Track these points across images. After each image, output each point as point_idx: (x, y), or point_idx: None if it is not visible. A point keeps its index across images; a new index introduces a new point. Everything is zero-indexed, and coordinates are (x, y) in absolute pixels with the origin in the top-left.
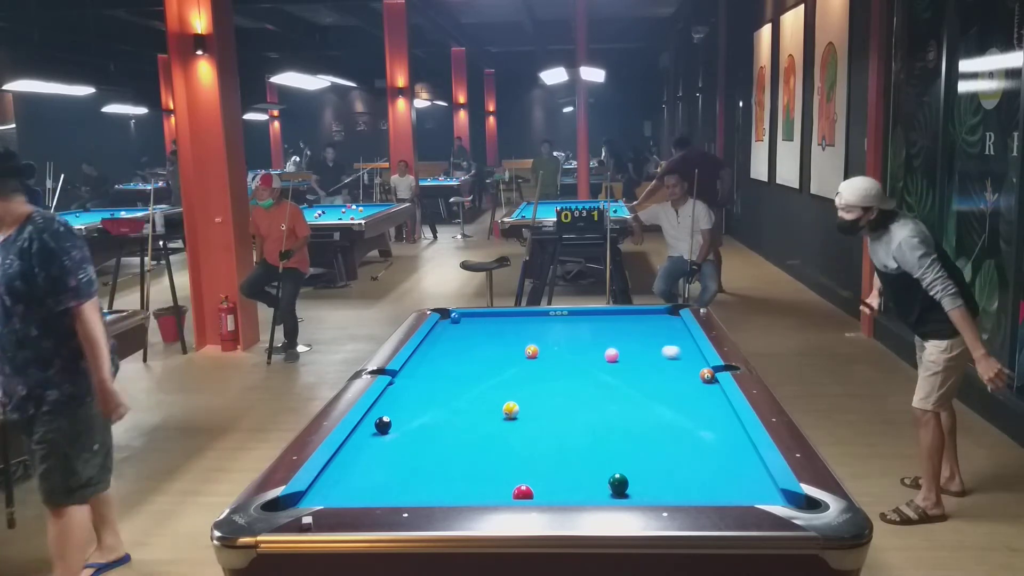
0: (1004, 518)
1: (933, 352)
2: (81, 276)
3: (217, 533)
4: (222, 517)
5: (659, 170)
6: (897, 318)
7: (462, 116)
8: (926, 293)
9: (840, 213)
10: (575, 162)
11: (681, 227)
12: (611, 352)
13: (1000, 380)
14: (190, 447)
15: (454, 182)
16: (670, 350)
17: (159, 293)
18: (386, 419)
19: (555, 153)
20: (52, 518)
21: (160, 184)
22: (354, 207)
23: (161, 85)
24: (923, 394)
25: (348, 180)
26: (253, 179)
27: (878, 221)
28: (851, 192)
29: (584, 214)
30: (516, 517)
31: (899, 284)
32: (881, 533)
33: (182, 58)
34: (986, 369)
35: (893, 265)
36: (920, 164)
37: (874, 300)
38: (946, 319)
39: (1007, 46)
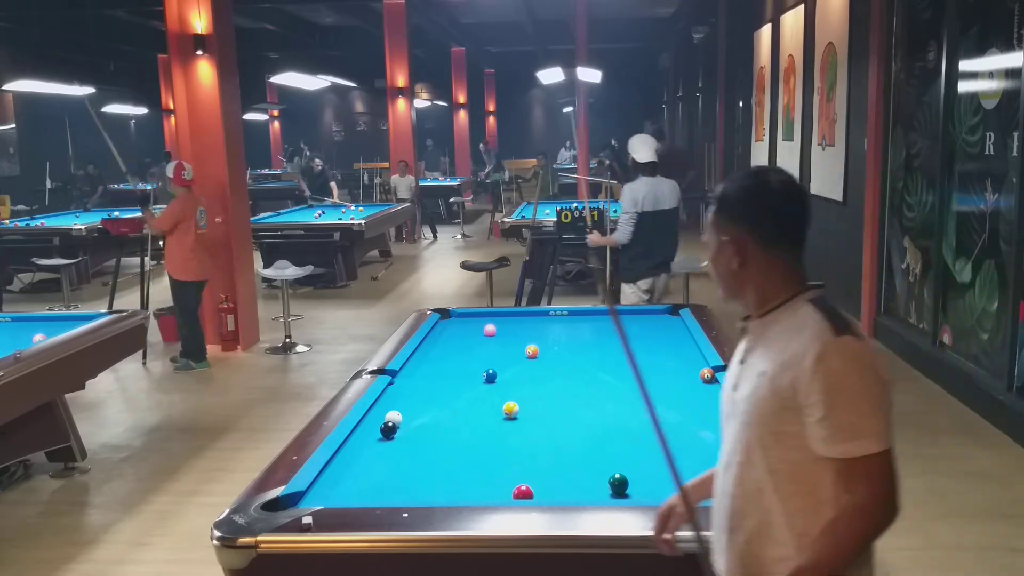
0: (1004, 518)
1: (626, 290)
2: None
3: (217, 533)
4: (222, 517)
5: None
6: None
7: (462, 116)
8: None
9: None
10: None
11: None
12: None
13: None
14: (190, 447)
15: (454, 182)
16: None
17: (159, 293)
18: (391, 424)
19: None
20: None
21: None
22: (354, 207)
23: (161, 85)
24: None
25: (327, 198)
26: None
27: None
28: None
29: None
30: (516, 517)
31: None
32: None
33: (182, 58)
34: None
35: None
36: (920, 164)
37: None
38: (630, 266)
39: (1007, 46)
